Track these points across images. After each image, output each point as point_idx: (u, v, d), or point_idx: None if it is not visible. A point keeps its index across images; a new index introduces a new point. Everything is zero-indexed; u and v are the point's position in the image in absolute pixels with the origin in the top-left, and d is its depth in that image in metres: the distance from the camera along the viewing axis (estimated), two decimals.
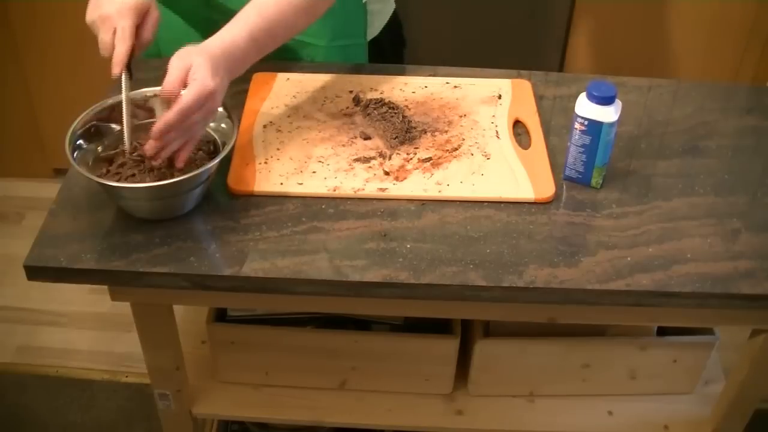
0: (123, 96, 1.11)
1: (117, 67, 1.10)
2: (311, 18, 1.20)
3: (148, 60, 1.38)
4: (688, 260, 1.06)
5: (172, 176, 1.06)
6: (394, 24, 1.52)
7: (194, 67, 1.03)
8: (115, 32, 1.10)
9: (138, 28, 1.12)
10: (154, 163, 1.06)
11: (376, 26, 1.47)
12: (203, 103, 1.02)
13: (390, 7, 1.50)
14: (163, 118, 1.01)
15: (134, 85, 1.14)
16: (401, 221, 1.10)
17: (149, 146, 1.03)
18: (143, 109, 1.16)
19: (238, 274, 1.02)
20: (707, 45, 2.18)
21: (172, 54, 1.06)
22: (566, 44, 2.16)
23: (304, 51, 1.39)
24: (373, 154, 1.20)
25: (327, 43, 1.36)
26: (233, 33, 1.10)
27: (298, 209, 1.11)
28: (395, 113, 1.26)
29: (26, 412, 1.89)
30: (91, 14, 1.13)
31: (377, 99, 1.29)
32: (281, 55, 1.30)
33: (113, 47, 1.11)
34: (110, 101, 1.14)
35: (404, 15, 1.60)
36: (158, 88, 1.15)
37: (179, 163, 1.06)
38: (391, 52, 1.54)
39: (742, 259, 1.07)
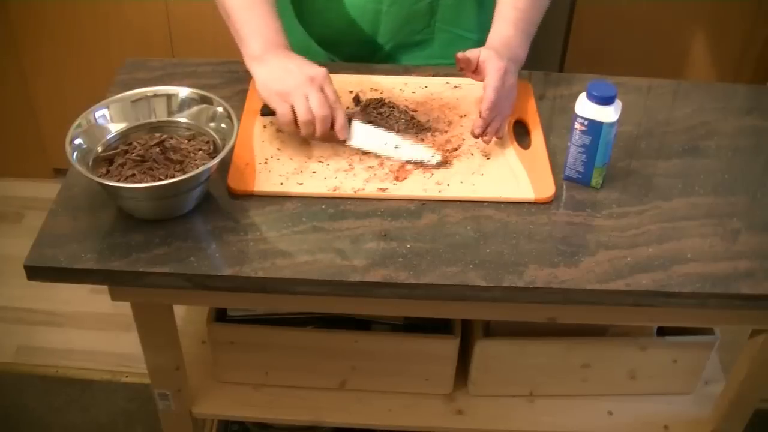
0: (371, 138, 1.20)
1: (344, 131, 1.16)
2: None
3: (147, 60, 1.39)
4: (688, 260, 1.06)
5: (173, 176, 1.06)
6: None
7: (483, 57, 1.18)
8: (323, 93, 1.13)
9: None
10: (485, 139, 1.19)
11: None
12: (504, 79, 1.18)
13: None
14: (486, 100, 1.16)
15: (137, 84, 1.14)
16: (401, 221, 1.10)
17: (477, 126, 1.18)
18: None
19: (238, 274, 1.02)
20: (707, 45, 2.18)
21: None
22: (566, 44, 2.16)
23: (457, 45, 1.38)
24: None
25: (478, 36, 1.37)
26: (502, 31, 1.25)
27: (298, 209, 1.11)
28: (392, 112, 1.26)
29: (26, 412, 1.89)
30: (282, 81, 1.13)
31: (377, 99, 1.29)
32: (438, 51, 1.38)
33: (328, 107, 1.13)
34: (110, 101, 1.14)
35: None
36: (157, 88, 1.16)
37: (500, 135, 1.21)
38: None
39: (742, 259, 1.07)
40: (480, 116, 1.17)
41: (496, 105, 1.17)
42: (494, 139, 1.22)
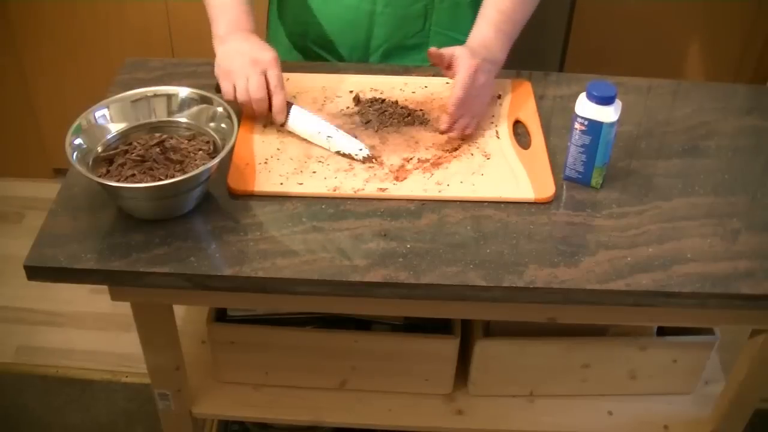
0: (309, 121, 1.22)
1: (281, 115, 1.21)
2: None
3: (147, 60, 1.39)
4: (688, 260, 1.06)
5: (173, 176, 1.06)
6: None
7: (456, 55, 1.20)
8: (265, 77, 1.18)
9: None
10: (452, 135, 1.21)
11: None
12: (475, 77, 1.19)
13: None
14: (453, 96, 1.18)
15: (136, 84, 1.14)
16: (401, 221, 1.10)
17: (444, 121, 1.20)
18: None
19: (238, 274, 1.02)
20: (707, 45, 2.18)
21: None
22: (566, 44, 2.16)
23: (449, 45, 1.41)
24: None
25: (465, 38, 1.38)
26: (482, 31, 1.26)
27: (298, 209, 1.11)
28: (387, 108, 1.26)
29: (26, 412, 1.89)
30: (231, 61, 1.19)
31: (378, 99, 1.30)
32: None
33: (265, 90, 1.19)
34: (110, 101, 1.14)
35: None
36: (157, 88, 1.16)
37: (468, 132, 1.22)
38: None
39: (742, 259, 1.07)
40: (446, 112, 1.20)
41: (464, 102, 1.19)
42: (498, 138, 1.22)
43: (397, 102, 1.30)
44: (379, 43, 1.40)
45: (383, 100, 1.29)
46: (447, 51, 1.21)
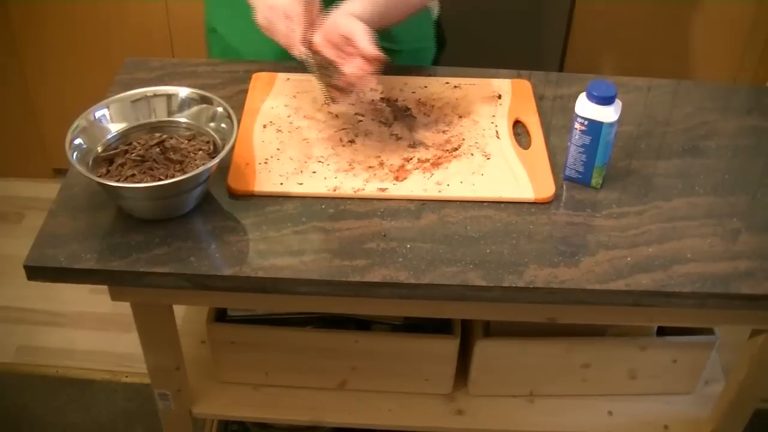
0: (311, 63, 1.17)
1: (295, 48, 1.16)
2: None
3: (147, 60, 1.39)
4: (688, 260, 1.06)
5: (173, 176, 1.06)
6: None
7: (358, 36, 1.11)
8: (287, 19, 1.15)
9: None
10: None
11: None
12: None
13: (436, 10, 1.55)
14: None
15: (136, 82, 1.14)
16: (401, 221, 1.10)
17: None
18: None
19: (238, 274, 1.02)
20: (707, 45, 2.18)
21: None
22: (566, 44, 2.16)
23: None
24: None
25: (402, 47, 1.37)
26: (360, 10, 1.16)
27: (298, 209, 1.11)
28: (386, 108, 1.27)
29: (26, 412, 1.89)
30: (262, 12, 1.17)
31: (377, 99, 1.30)
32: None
33: (290, 32, 1.16)
34: (110, 101, 1.14)
35: None
36: (157, 88, 1.16)
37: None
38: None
39: (742, 259, 1.07)
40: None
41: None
42: (498, 138, 1.22)
43: (396, 101, 1.30)
44: None
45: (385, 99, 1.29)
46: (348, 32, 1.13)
